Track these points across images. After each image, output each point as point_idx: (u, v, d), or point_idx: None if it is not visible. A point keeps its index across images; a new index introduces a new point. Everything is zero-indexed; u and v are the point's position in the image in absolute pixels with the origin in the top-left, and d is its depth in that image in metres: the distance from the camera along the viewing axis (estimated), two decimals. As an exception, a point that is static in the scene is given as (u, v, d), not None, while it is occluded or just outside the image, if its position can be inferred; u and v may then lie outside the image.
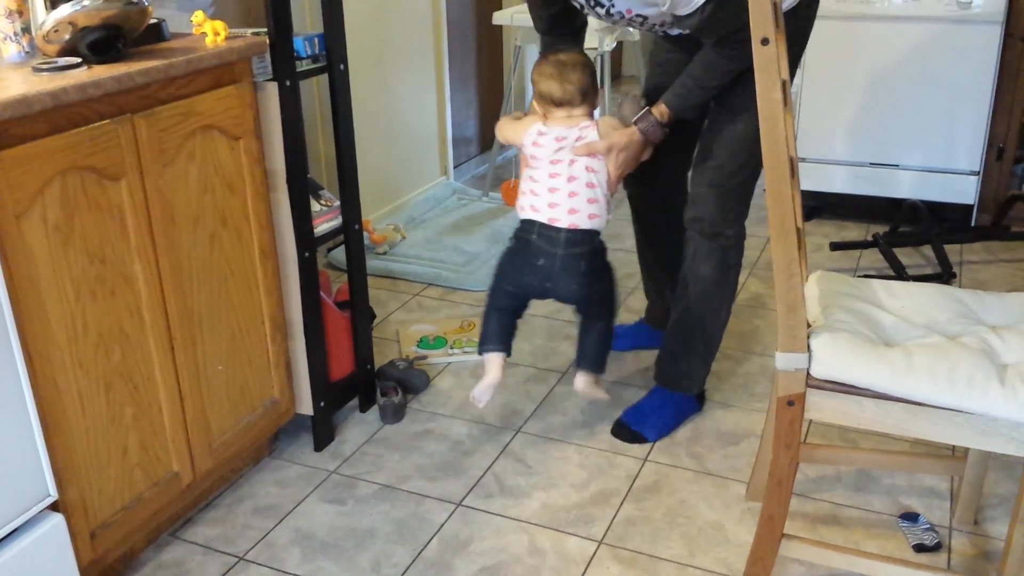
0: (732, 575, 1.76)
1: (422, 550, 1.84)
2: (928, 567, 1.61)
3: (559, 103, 1.98)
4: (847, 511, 1.94)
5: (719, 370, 2.48)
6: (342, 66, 2.05)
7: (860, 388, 1.48)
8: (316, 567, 1.80)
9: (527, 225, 2.00)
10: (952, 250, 3.22)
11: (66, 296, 1.50)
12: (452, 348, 2.56)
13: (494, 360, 2.07)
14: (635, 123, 2.01)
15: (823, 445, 2.13)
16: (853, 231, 3.45)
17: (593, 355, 2.10)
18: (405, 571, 1.78)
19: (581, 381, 2.10)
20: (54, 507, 1.52)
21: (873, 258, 3.18)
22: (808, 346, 1.50)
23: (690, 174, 2.15)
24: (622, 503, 1.97)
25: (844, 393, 1.50)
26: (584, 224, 1.96)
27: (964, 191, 3.30)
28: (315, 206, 2.09)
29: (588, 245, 1.98)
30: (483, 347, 2.09)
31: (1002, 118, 3.28)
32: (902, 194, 3.37)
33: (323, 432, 2.17)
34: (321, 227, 2.11)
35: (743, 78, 1.89)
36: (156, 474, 1.74)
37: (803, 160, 3.46)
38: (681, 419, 2.24)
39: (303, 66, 1.97)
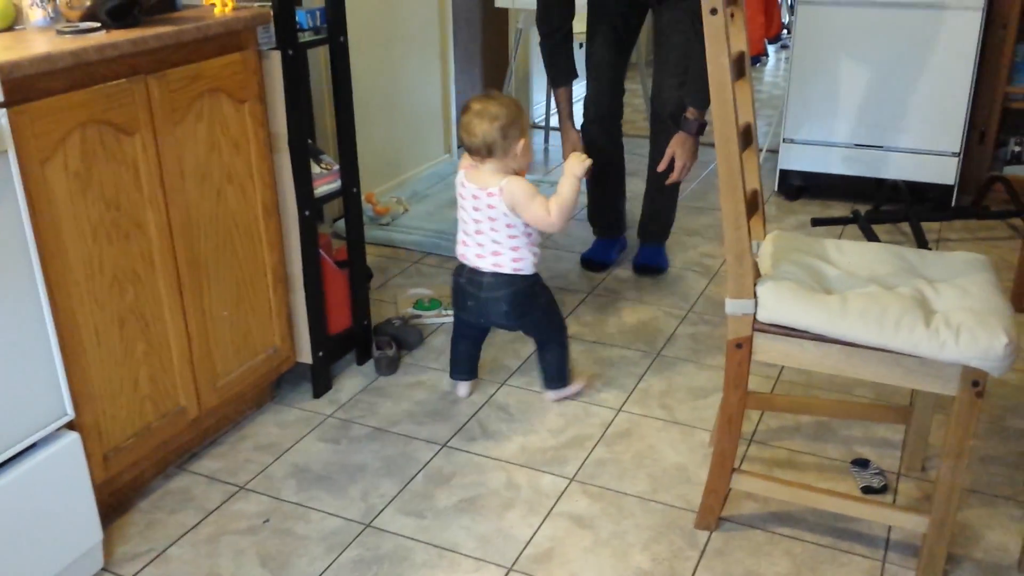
0: (690, 508, 1.91)
1: (408, 483, 2.00)
2: (865, 501, 1.75)
3: (467, 150, 2.08)
4: (803, 457, 2.08)
5: (696, 333, 2.63)
6: (342, 38, 2.20)
7: (800, 331, 1.62)
8: (310, 496, 1.96)
9: (459, 268, 2.19)
10: (932, 228, 3.35)
11: (84, 237, 1.66)
12: (445, 310, 2.72)
13: (463, 385, 2.33)
14: (693, 134, 2.65)
15: (783, 395, 2.27)
16: (838, 210, 3.58)
17: (554, 375, 2.28)
18: (391, 500, 1.94)
19: (551, 396, 2.30)
20: (71, 427, 1.68)
21: (854, 235, 3.31)
22: (755, 293, 1.65)
23: (652, 81, 2.85)
24: (594, 447, 2.12)
25: (787, 336, 1.64)
26: (507, 268, 2.11)
27: (945, 172, 3.42)
28: (315, 169, 2.25)
29: (509, 287, 2.12)
30: (452, 374, 2.34)
31: (984, 102, 3.41)
32: (886, 174, 3.49)
33: (321, 380, 2.34)
34: (321, 188, 2.26)
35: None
36: (164, 407, 1.91)
37: (792, 141, 3.59)
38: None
39: (305, 37, 2.13)
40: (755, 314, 1.65)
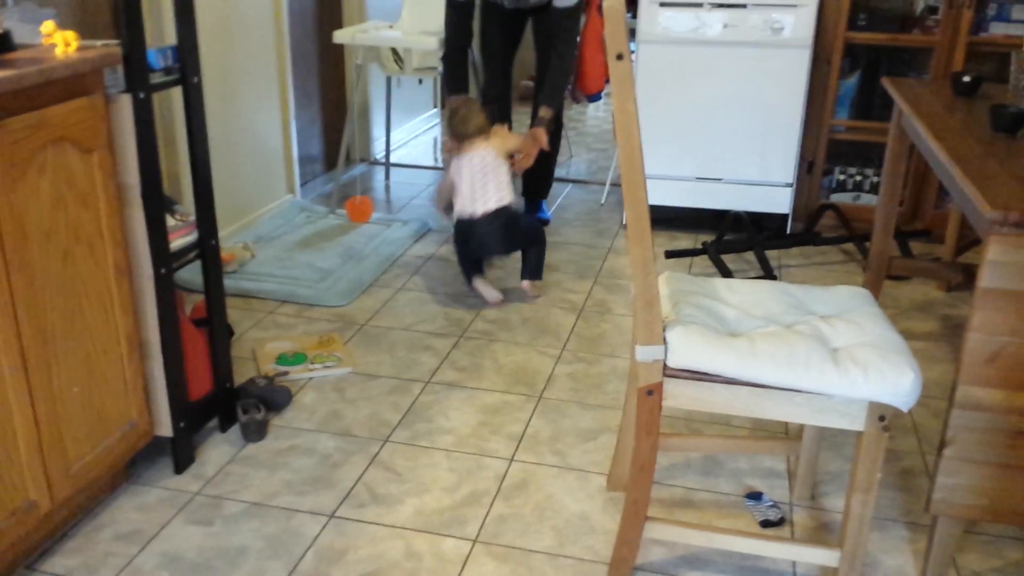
0: (600, 560, 1.86)
1: (297, 563, 1.83)
2: (776, 539, 1.76)
3: (464, 138, 2.96)
4: (698, 494, 2.09)
5: (574, 372, 2.60)
6: (196, 79, 2.03)
7: (711, 375, 1.61)
8: (188, 588, 1.76)
9: (470, 217, 2.94)
10: (772, 255, 3.51)
11: (-89, 317, 1.41)
12: (313, 363, 2.56)
13: (480, 282, 3.04)
14: (546, 128, 3.27)
15: (674, 434, 2.27)
16: (684, 241, 3.69)
17: (534, 267, 3.07)
18: (282, 584, 1.77)
19: (526, 284, 3.07)
20: (-98, 543, 1.42)
21: (703, 264, 3.41)
22: (664, 339, 1.63)
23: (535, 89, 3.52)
24: (493, 502, 2.03)
25: (697, 380, 1.63)
26: (506, 202, 2.96)
27: (780, 202, 3.60)
28: (170, 221, 2.05)
29: (511, 213, 2.99)
30: (470, 280, 3.07)
31: (811, 134, 3.62)
32: (726, 206, 3.63)
33: (183, 454, 2.12)
34: (177, 242, 2.06)
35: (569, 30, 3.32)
36: (12, 503, 1.65)
37: (638, 174, 3.66)
38: None
39: (156, 78, 1.94)
40: (665, 360, 1.63)
